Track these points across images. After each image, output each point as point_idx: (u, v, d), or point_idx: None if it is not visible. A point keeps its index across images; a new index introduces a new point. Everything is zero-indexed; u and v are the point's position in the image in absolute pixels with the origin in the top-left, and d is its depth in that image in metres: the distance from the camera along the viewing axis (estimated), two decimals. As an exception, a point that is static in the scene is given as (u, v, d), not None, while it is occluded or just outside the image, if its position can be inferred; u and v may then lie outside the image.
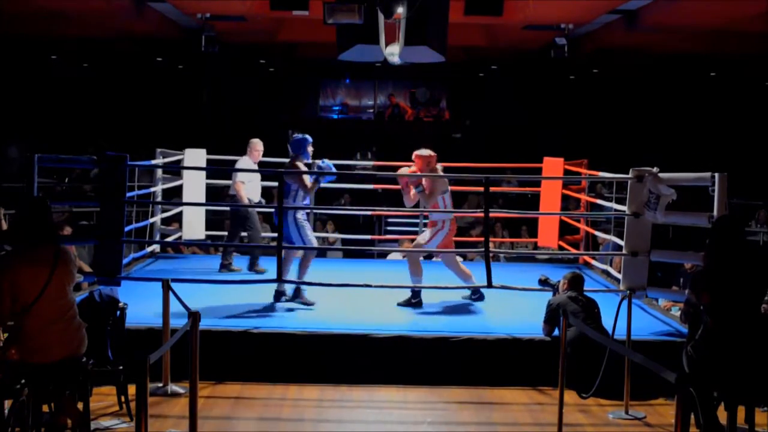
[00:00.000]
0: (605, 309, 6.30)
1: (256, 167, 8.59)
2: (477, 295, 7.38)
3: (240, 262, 8.74)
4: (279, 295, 7.17)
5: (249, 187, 8.39)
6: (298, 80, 20.06)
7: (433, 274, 7.45)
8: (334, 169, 7.17)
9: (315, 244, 7.21)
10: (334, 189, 11.31)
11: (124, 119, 18.41)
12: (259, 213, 9.29)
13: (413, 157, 7.24)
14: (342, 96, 21.45)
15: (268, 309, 6.95)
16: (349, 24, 7.34)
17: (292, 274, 7.08)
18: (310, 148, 7.18)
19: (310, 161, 7.31)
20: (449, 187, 7.23)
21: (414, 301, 7.13)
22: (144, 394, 3.88)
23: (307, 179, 6.96)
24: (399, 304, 7.10)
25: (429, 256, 10.33)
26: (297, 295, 7.10)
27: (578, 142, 16.61)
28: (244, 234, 8.63)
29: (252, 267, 8.65)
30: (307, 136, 7.22)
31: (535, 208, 10.21)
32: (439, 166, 7.27)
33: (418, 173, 7.15)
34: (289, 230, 6.91)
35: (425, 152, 7.19)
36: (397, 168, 7.46)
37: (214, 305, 6.80)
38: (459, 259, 7.51)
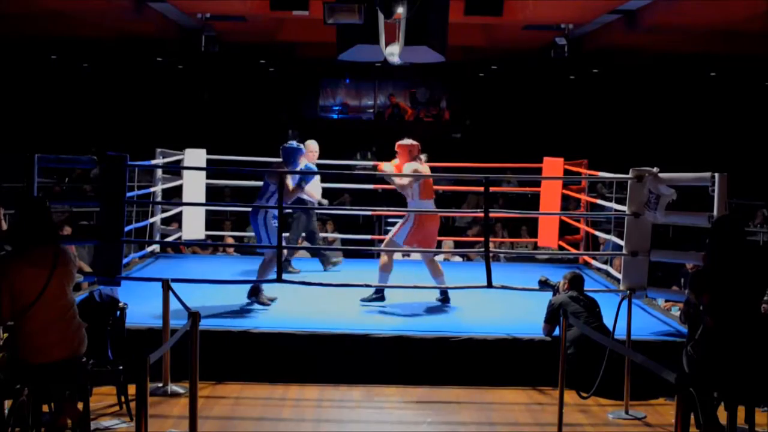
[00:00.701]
0: (605, 309, 6.30)
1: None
2: (444, 296, 7.31)
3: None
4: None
5: (310, 188, 8.33)
6: (298, 80, 20.07)
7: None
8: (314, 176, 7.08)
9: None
10: (334, 189, 11.30)
11: (124, 119, 18.41)
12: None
13: (396, 147, 7.24)
14: (342, 96, 21.46)
15: (269, 309, 6.94)
16: (349, 24, 7.34)
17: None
18: (301, 160, 7.11)
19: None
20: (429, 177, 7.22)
21: (376, 296, 7.08)
22: (144, 394, 3.88)
23: (290, 183, 6.84)
24: (362, 300, 7.06)
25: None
26: (254, 294, 6.95)
27: (578, 142, 16.61)
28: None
29: (324, 265, 8.70)
30: (301, 148, 7.13)
31: (535, 208, 10.20)
32: (423, 156, 7.25)
33: (401, 164, 7.15)
34: (259, 231, 6.86)
35: (407, 141, 7.19)
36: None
37: (214, 305, 6.80)
38: (439, 257, 7.38)
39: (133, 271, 8.31)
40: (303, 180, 6.96)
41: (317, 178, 8.44)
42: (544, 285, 6.85)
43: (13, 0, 10.81)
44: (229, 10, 11.45)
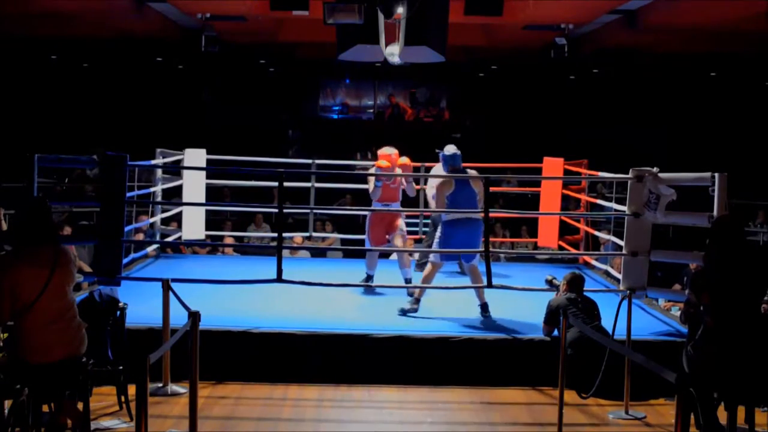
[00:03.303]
0: (605, 309, 6.30)
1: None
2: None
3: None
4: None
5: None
6: (298, 80, 20.05)
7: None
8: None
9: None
10: (334, 189, 11.32)
11: (124, 119, 18.41)
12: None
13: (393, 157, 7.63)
14: (342, 96, 21.43)
15: (269, 309, 6.94)
16: (349, 24, 7.34)
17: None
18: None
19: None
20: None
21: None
22: (144, 394, 3.88)
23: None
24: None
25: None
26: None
27: (578, 142, 16.61)
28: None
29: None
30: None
31: (535, 208, 10.20)
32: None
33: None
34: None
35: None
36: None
37: (214, 305, 6.79)
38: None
39: (133, 271, 8.31)
40: None
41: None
42: (550, 285, 6.86)
43: (13, 0, 10.81)
44: (229, 10, 11.45)
